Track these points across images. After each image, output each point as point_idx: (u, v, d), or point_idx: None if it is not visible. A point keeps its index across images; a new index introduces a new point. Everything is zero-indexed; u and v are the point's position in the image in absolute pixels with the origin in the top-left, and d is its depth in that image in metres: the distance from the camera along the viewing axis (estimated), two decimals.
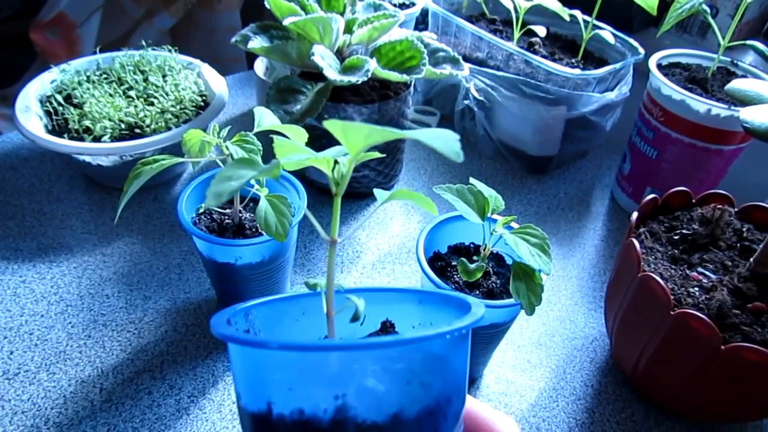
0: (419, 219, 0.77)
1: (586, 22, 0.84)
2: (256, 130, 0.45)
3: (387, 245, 0.72)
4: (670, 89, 0.70)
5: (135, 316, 0.61)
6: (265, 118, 0.47)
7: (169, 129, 0.71)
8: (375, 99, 0.71)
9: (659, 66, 0.76)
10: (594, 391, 0.59)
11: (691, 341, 0.46)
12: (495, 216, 0.49)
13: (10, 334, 0.58)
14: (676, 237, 0.55)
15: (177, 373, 0.56)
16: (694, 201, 0.60)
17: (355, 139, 0.24)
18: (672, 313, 0.46)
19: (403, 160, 0.83)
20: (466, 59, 0.89)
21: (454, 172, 0.87)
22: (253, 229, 0.52)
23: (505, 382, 0.59)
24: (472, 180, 0.49)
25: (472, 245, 0.55)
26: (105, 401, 0.53)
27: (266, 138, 0.48)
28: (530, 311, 0.44)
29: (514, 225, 0.49)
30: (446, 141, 0.22)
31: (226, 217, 0.53)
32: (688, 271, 0.52)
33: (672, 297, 0.47)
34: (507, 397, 0.57)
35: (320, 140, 0.73)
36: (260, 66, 0.90)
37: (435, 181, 0.84)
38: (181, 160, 0.43)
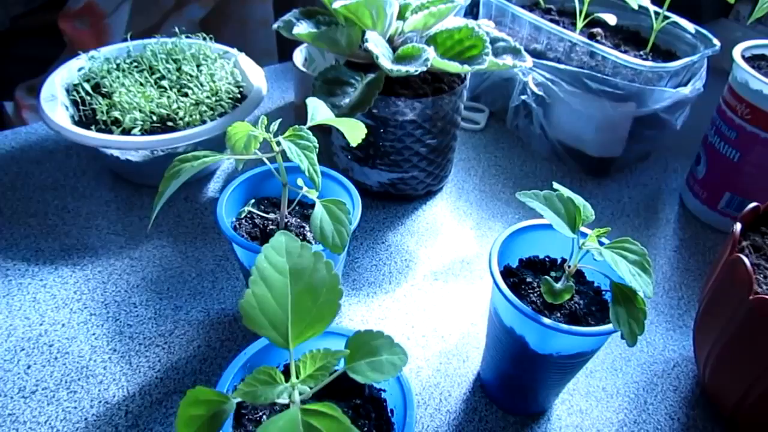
0: (471, 224, 0.70)
1: (655, 12, 0.77)
2: (309, 123, 0.39)
3: (438, 254, 0.66)
4: (761, 83, 0.62)
5: (164, 329, 0.55)
6: (319, 112, 0.41)
7: (204, 122, 0.65)
8: (428, 93, 0.65)
9: (742, 59, 0.68)
10: (681, 425, 0.52)
11: None
12: (583, 229, 0.42)
13: (28, 346, 0.53)
14: None
15: None
16: None
17: None
18: None
19: (453, 159, 0.76)
20: None
21: (507, 174, 0.80)
22: (301, 236, 0.46)
23: (579, 414, 0.52)
24: (556, 185, 0.42)
25: (547, 259, 0.48)
26: (131, 426, 0.47)
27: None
28: (632, 342, 0.37)
29: (604, 239, 0.42)
30: None
31: (271, 222, 0.46)
32: None
33: None
34: (582, 431, 0.50)
35: (366, 137, 0.66)
36: (299, 57, 0.84)
37: (486, 182, 0.77)
38: (224, 156, 0.37)
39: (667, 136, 0.80)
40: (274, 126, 0.40)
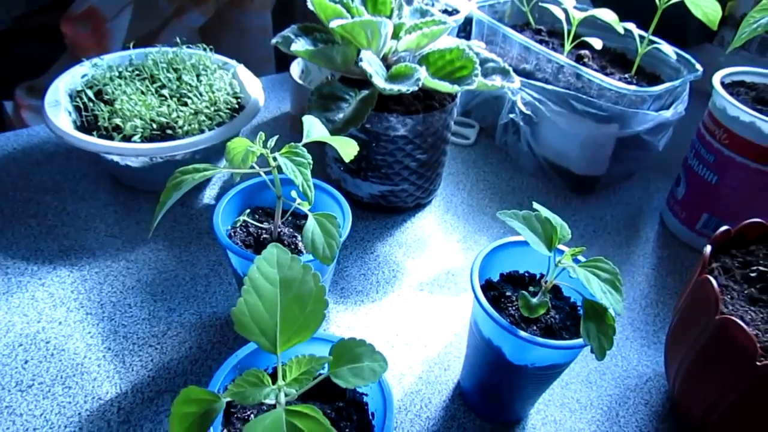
0: (458, 237, 0.73)
1: (641, 36, 0.80)
2: (305, 140, 0.42)
3: (425, 265, 0.68)
4: (738, 110, 0.65)
5: (158, 330, 0.57)
6: (315, 129, 0.43)
7: (202, 131, 0.67)
8: (419, 110, 0.67)
9: (721, 84, 0.71)
10: None
11: None
12: (560, 246, 0.44)
13: (26, 342, 0.55)
14: (752, 274, 0.50)
15: None
16: None
17: None
18: (759, 363, 0.41)
19: (443, 174, 0.79)
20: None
21: (494, 189, 0.82)
22: (293, 246, 0.48)
23: (553, 424, 0.54)
24: (536, 205, 0.45)
25: (527, 274, 0.51)
26: (122, 422, 0.49)
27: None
28: (601, 356, 0.40)
29: (580, 257, 0.45)
30: None
31: (264, 231, 0.49)
32: None
33: (759, 345, 0.42)
34: None
35: (359, 150, 0.69)
36: (296, 69, 0.86)
37: (474, 197, 0.80)
38: (223, 170, 0.39)
39: (649, 157, 0.83)
40: (272, 142, 0.42)
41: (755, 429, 0.45)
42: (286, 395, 0.30)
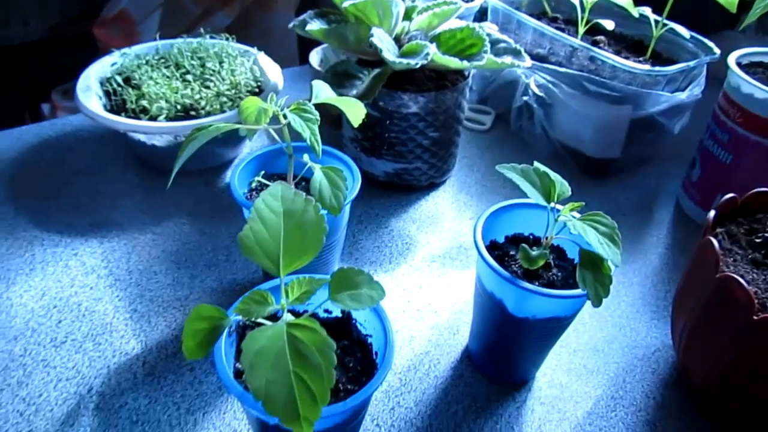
0: (471, 215, 0.74)
1: (656, 21, 0.80)
2: (314, 101, 0.44)
3: (437, 240, 0.70)
4: (752, 87, 0.66)
5: (181, 294, 0.60)
6: (323, 91, 0.45)
7: (224, 112, 0.70)
8: (431, 89, 0.69)
9: (738, 65, 0.71)
10: (656, 403, 0.55)
11: None
12: (558, 206, 0.46)
13: (60, 304, 0.59)
14: (758, 240, 0.51)
15: None
16: None
17: None
18: (756, 318, 0.42)
19: (457, 155, 0.81)
20: None
21: None
22: None
23: (560, 387, 0.55)
24: (536, 164, 0.47)
25: (531, 236, 0.52)
26: (147, 374, 0.52)
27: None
28: (597, 303, 0.41)
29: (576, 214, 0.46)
30: None
31: None
32: None
33: (756, 301, 0.43)
34: (561, 402, 0.54)
35: (373, 128, 0.71)
36: (315, 58, 0.89)
37: (488, 178, 0.82)
38: (237, 126, 0.42)
39: (664, 140, 0.83)
40: (282, 101, 0.45)
41: (754, 386, 0.45)
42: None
